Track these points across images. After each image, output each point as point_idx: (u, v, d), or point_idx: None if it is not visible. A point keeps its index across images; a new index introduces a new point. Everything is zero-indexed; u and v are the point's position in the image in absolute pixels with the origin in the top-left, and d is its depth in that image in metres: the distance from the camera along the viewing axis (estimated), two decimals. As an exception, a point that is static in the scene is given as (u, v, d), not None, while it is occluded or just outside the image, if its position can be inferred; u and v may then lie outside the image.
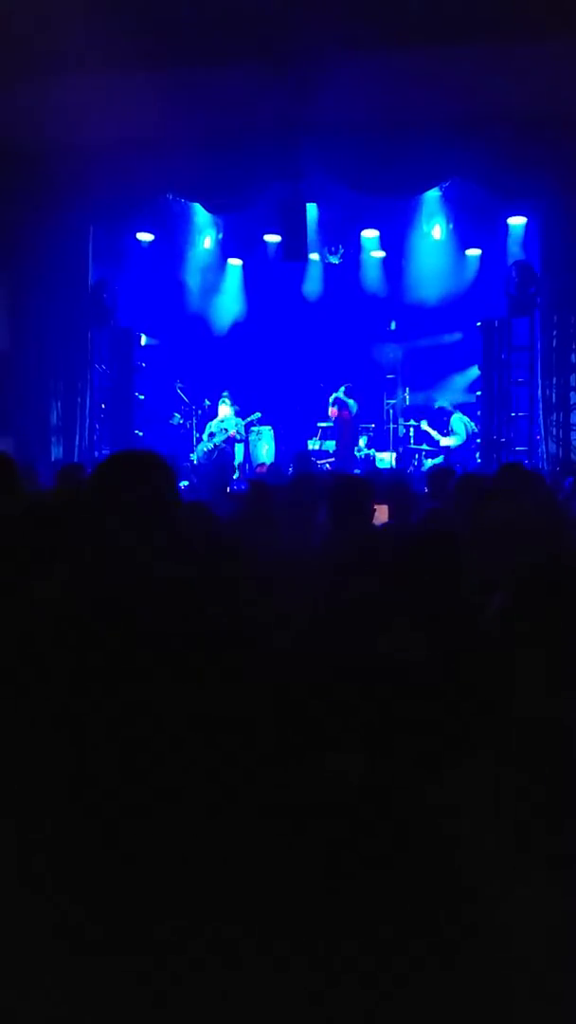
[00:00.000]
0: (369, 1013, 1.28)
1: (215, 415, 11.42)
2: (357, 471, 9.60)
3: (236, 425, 11.27)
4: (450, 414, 11.08)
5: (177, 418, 11.92)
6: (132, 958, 1.31)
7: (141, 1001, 1.29)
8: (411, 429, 11.64)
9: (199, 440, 11.27)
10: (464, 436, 10.95)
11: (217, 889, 1.33)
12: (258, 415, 11.44)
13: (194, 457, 11.19)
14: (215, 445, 11.08)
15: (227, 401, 11.37)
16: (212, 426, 11.29)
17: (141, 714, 1.40)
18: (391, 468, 10.80)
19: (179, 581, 1.58)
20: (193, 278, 11.65)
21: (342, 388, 11.44)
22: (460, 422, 11.01)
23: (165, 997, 1.29)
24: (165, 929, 1.31)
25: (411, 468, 10.93)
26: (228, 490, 7.40)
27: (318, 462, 10.88)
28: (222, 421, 11.25)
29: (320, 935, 1.31)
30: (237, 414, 11.42)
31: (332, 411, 11.44)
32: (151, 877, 1.33)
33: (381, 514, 4.02)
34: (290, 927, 1.32)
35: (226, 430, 11.16)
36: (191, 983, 1.29)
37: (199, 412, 11.73)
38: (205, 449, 11.11)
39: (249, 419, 11.45)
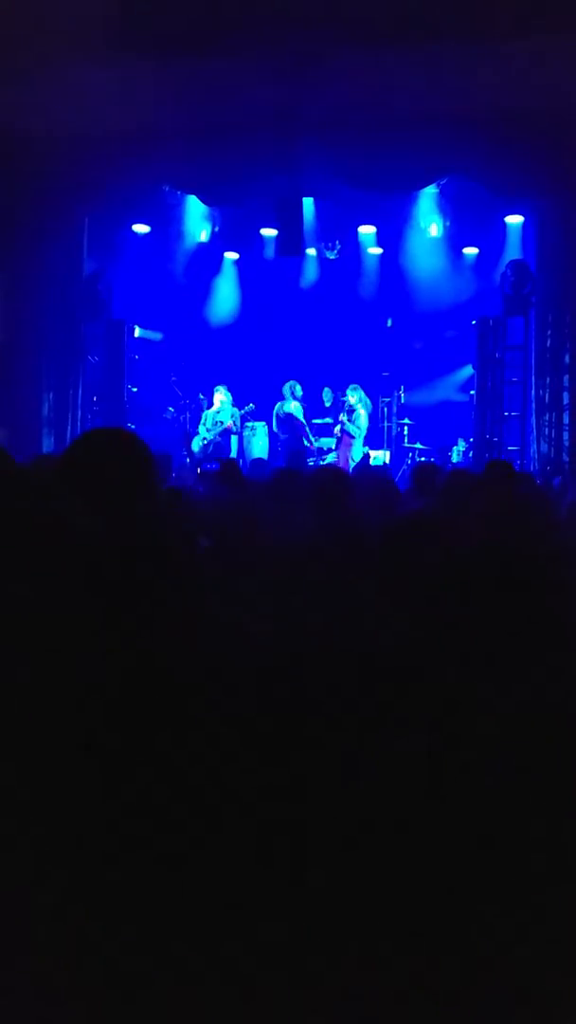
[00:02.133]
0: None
1: (211, 406, 11.37)
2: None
3: (233, 415, 11.22)
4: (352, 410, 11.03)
5: (171, 412, 11.87)
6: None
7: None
8: (405, 428, 11.62)
9: (195, 434, 11.22)
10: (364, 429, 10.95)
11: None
12: (252, 407, 11.40)
13: (186, 453, 11.14)
14: (210, 438, 11.04)
15: (222, 388, 11.29)
16: (208, 417, 11.23)
17: (129, 709, 1.37)
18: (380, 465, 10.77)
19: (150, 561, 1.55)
20: (188, 271, 11.60)
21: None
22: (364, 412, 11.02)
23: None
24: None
25: (403, 467, 10.91)
26: (199, 471, 7.33)
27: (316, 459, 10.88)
28: (218, 412, 11.18)
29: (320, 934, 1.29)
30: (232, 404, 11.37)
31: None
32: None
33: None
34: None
35: (221, 422, 11.10)
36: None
37: (192, 406, 11.68)
38: (202, 442, 11.05)
39: (245, 410, 11.40)
